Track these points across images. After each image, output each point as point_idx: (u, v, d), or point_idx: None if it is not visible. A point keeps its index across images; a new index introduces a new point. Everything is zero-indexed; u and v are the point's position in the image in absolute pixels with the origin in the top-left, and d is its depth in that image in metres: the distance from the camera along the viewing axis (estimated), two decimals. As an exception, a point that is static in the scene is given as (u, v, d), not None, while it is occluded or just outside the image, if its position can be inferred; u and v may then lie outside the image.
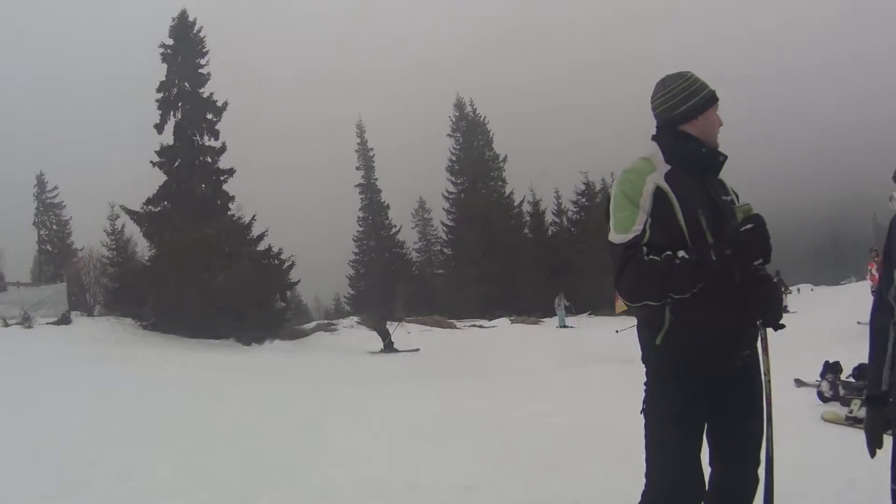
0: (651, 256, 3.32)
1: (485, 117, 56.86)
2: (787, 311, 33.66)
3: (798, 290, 47.62)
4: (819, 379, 10.61)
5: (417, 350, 24.98)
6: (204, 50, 29.98)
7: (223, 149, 29.20)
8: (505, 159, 56.18)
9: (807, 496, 5.65)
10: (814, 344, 15.60)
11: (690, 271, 3.30)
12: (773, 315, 3.61)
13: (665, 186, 3.45)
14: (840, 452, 6.65)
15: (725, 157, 3.70)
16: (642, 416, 3.59)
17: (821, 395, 10.22)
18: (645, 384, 3.61)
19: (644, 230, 3.36)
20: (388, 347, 24.67)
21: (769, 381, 3.68)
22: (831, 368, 10.50)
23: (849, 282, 51.86)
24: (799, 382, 11.66)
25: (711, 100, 3.71)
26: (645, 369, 3.62)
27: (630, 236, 3.36)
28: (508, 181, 55.96)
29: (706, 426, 3.57)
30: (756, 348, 3.70)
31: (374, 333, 25.04)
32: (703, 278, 3.31)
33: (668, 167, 3.54)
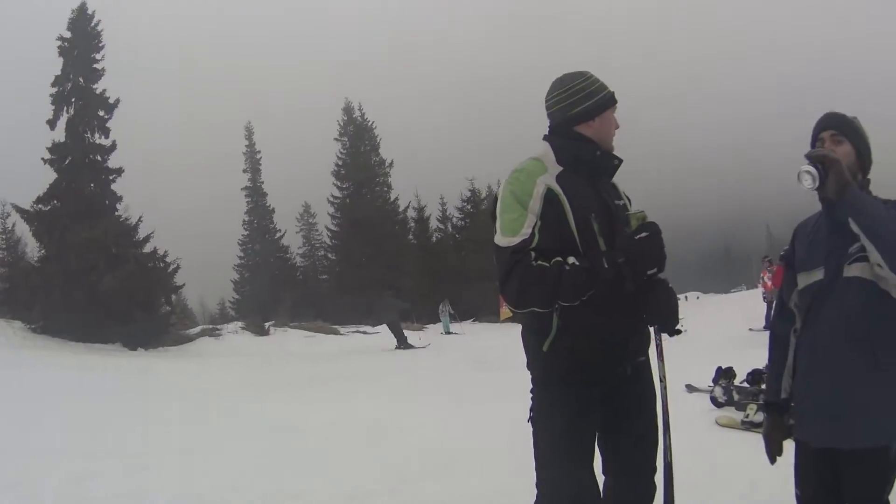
0: (539, 262, 3.25)
1: (372, 122, 57.32)
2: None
3: (685, 297, 49.51)
4: (712, 384, 10.83)
5: (429, 345, 26.34)
6: (100, 45, 29.64)
7: (113, 147, 28.99)
8: (391, 164, 56.84)
9: (708, 502, 5.82)
10: (703, 350, 15.96)
11: (581, 279, 3.25)
12: (669, 321, 3.60)
13: (556, 188, 3.39)
14: (739, 456, 6.88)
15: (620, 161, 3.69)
16: (530, 424, 3.54)
17: (714, 401, 10.42)
18: (531, 391, 3.56)
19: (533, 234, 3.29)
20: (403, 343, 25.91)
21: (665, 388, 3.68)
22: (724, 374, 10.73)
23: (739, 290, 54.47)
24: (690, 388, 11.87)
25: (610, 101, 3.66)
26: (531, 376, 3.58)
27: (518, 240, 3.29)
28: (394, 187, 56.67)
29: (598, 434, 3.55)
30: (649, 354, 3.72)
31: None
32: (594, 286, 3.27)
33: (560, 168, 3.48)
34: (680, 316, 3.69)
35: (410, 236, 56.20)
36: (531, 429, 3.53)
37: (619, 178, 3.74)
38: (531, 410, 3.53)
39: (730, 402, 10.07)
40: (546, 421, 3.47)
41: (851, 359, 3.16)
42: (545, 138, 3.65)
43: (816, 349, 3.28)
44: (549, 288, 3.22)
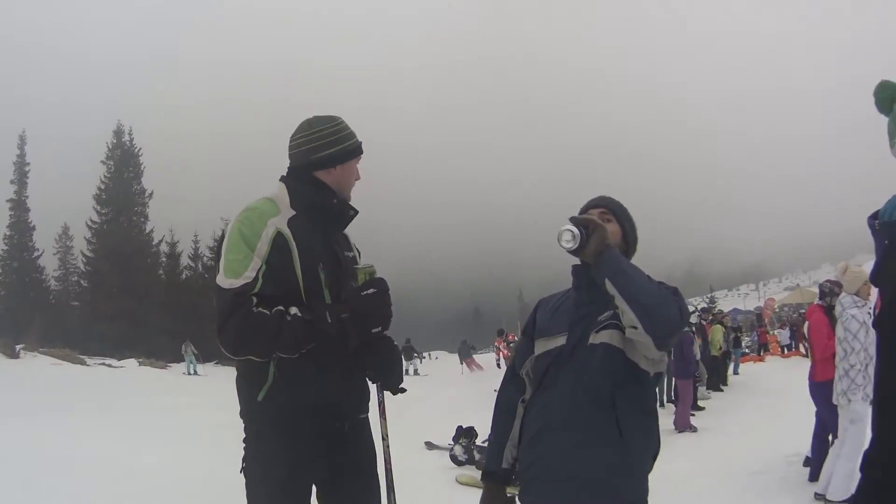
0: (260, 309, 3.16)
1: (140, 149, 58.17)
2: (418, 375, 37.60)
3: (428, 356, 53.91)
4: (451, 443, 11.27)
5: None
6: None
7: None
8: (151, 195, 57.97)
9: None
10: (446, 409, 17.06)
11: (302, 331, 3.18)
12: (392, 378, 3.57)
13: (287, 232, 3.32)
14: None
15: (356, 212, 3.64)
16: (242, 475, 3.41)
17: (454, 459, 10.83)
18: (244, 441, 3.43)
19: (256, 278, 3.20)
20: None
21: (388, 446, 3.65)
22: (465, 433, 11.16)
23: (487, 351, 57.17)
24: (430, 445, 12.36)
25: (356, 151, 3.64)
26: (244, 426, 3.44)
27: (240, 283, 3.19)
28: (151, 219, 57.81)
29: (316, 491, 3.49)
30: (371, 412, 3.65)
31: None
32: (316, 340, 3.22)
33: (293, 213, 3.41)
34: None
35: (161, 271, 57.33)
36: (244, 481, 3.42)
37: (353, 230, 3.77)
38: (244, 461, 3.42)
39: (470, 461, 10.55)
40: (259, 474, 3.38)
41: (593, 423, 3.14)
42: (282, 179, 3.60)
43: (553, 412, 3.23)
44: (268, 337, 3.16)
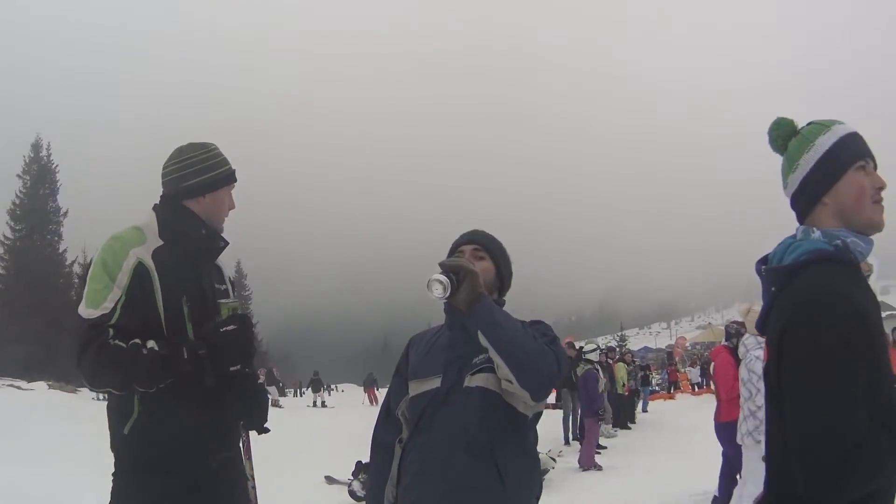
0: (116, 341, 3.12)
1: (57, 165, 56.78)
2: (325, 407, 39.26)
3: (335, 388, 54.24)
4: (351, 478, 11.32)
5: None
6: None
7: None
8: (65, 214, 56.48)
9: None
10: (349, 442, 15.70)
11: (157, 366, 3.14)
12: (256, 418, 3.56)
13: (149, 263, 3.29)
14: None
15: (226, 243, 3.63)
16: None
17: (353, 494, 10.92)
18: (112, 476, 3.39)
19: (114, 309, 3.18)
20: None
21: (254, 487, 3.62)
22: (364, 468, 10.75)
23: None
24: (330, 480, 12.40)
25: (227, 179, 3.61)
26: (114, 459, 3.40)
27: (98, 313, 3.16)
28: (65, 238, 56.45)
29: None
30: (239, 450, 3.63)
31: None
32: (173, 375, 3.19)
33: (160, 242, 3.39)
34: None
35: (73, 293, 54.07)
36: None
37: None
38: (111, 495, 3.36)
39: (369, 497, 10.77)
40: None
41: (470, 468, 3.09)
42: (154, 207, 3.56)
43: (431, 455, 3.17)
44: (123, 371, 3.12)
